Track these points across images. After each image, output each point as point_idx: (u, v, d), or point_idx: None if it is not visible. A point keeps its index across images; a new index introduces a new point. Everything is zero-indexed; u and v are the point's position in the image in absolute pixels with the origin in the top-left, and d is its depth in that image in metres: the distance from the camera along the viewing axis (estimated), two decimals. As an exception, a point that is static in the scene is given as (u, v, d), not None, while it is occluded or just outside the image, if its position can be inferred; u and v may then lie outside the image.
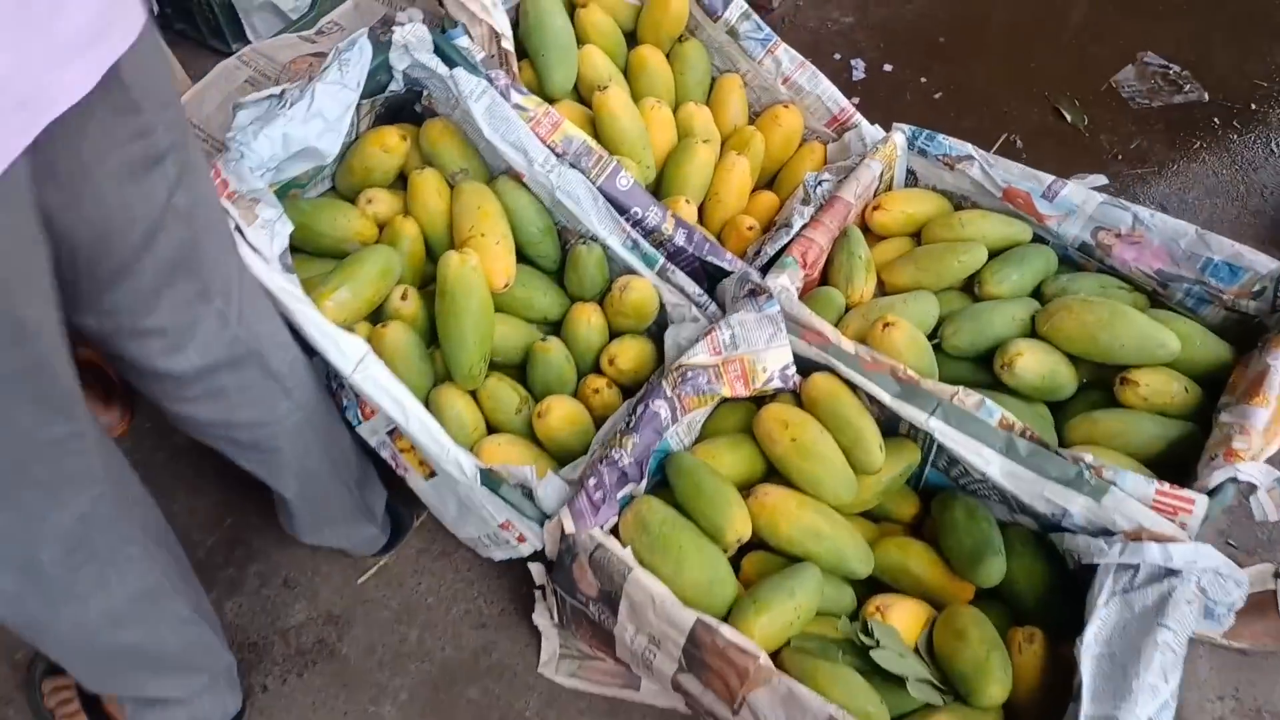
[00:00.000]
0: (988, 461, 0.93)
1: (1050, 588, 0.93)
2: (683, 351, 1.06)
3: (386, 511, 1.19)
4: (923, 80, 1.77)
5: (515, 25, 1.22)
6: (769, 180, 1.36)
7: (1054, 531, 0.93)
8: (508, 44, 1.10)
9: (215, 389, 0.79)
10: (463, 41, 1.08)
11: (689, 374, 0.98)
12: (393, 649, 1.16)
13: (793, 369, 1.01)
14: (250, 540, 1.25)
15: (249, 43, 1.98)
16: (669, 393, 0.98)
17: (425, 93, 1.13)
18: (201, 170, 0.72)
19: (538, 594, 1.06)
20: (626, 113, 1.20)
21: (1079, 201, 1.12)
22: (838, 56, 1.83)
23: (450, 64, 1.07)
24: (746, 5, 1.28)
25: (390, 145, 1.10)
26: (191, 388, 0.78)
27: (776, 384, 1.01)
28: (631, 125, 1.20)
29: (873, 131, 1.27)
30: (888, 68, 1.79)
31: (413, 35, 1.04)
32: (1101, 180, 1.56)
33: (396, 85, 1.10)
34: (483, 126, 1.07)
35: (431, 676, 1.14)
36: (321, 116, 0.98)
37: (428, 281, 1.13)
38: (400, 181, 1.16)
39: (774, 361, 1.01)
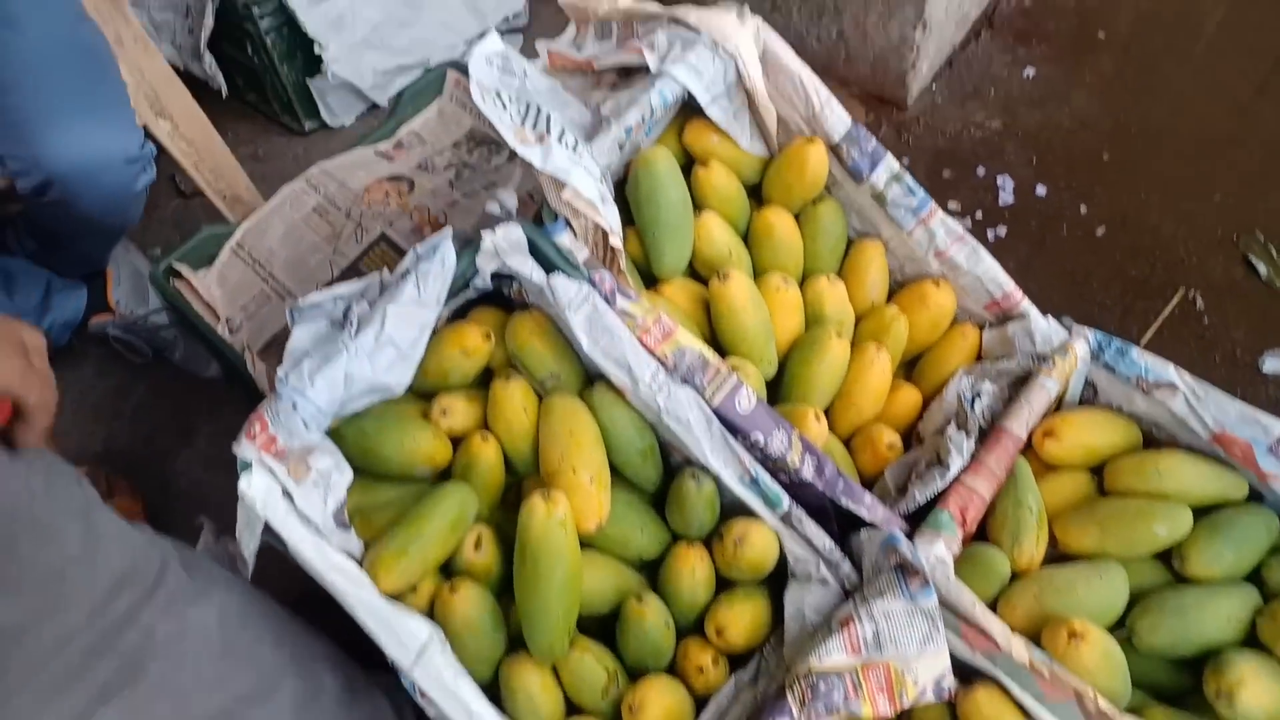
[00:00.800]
0: None
1: None
2: (808, 627, 0.88)
3: None
4: (1082, 209, 1.52)
5: (621, 185, 1.04)
6: (908, 361, 1.15)
7: None
8: (616, 241, 0.91)
9: None
10: (564, 239, 0.90)
11: (820, 684, 0.79)
12: None
13: (949, 678, 0.81)
14: None
15: (321, 122, 1.85)
16: (795, 712, 0.79)
17: (516, 284, 0.96)
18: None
19: None
20: (750, 305, 1.00)
21: (1321, 463, 0.89)
22: (981, 171, 1.60)
23: (547, 266, 0.89)
24: (898, 167, 1.07)
25: (472, 348, 0.93)
26: None
27: (929, 699, 0.81)
28: (754, 319, 1.01)
29: (1044, 327, 1.05)
30: (1040, 190, 1.55)
31: (505, 240, 0.86)
32: (1309, 365, 1.31)
33: (482, 282, 0.93)
34: (581, 339, 0.89)
35: None
36: (393, 344, 0.82)
37: (508, 492, 0.97)
38: (483, 375, 0.99)
39: (927, 671, 0.81)
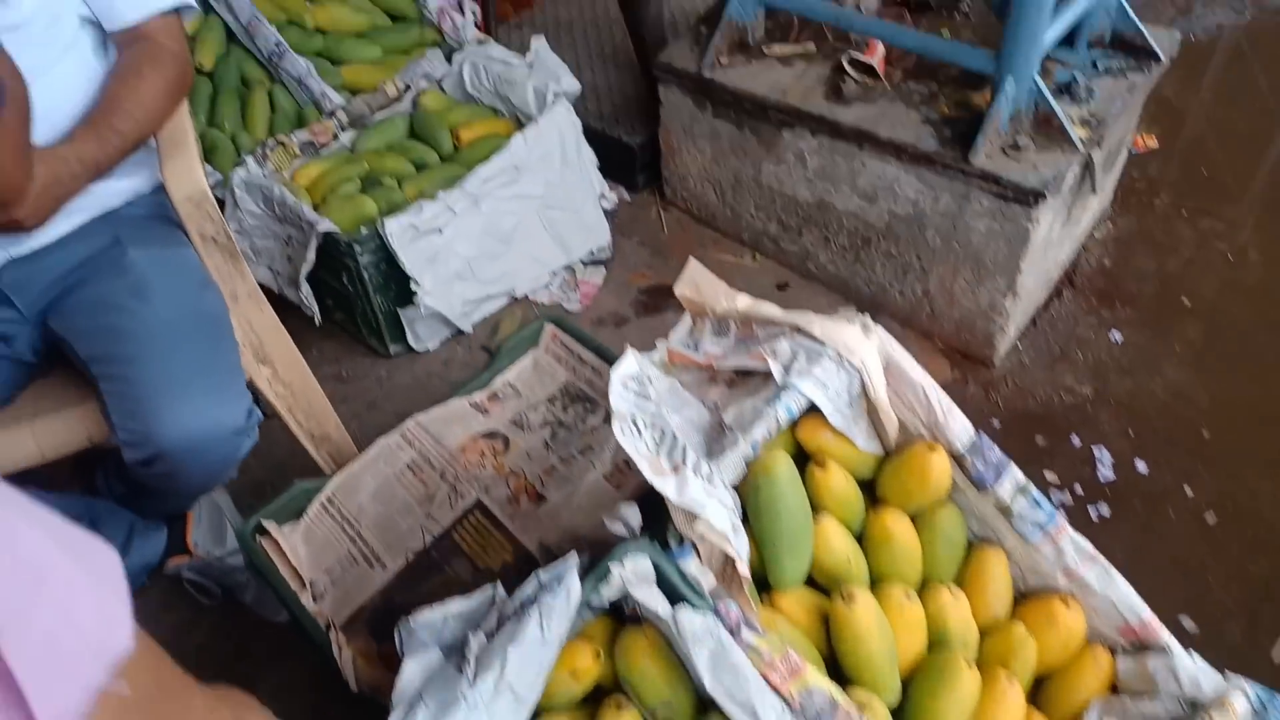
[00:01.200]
0: None
1: None
2: None
3: None
4: (1187, 491, 1.46)
5: (737, 488, 1.01)
6: (1031, 681, 1.06)
7: None
8: (744, 569, 0.87)
9: None
10: (690, 565, 0.86)
11: None
12: None
13: None
14: None
15: (408, 347, 1.88)
16: None
17: (632, 601, 0.91)
18: None
19: None
20: (876, 630, 0.94)
21: None
22: (1076, 441, 1.56)
23: (671, 594, 0.84)
24: (1023, 478, 1.03)
25: (582, 670, 0.87)
26: None
27: None
28: (880, 646, 0.94)
29: (1190, 668, 0.96)
30: (1141, 466, 1.50)
31: (633, 573, 0.82)
32: None
33: (599, 602, 0.88)
34: (704, 676, 0.83)
35: None
36: (512, 690, 0.76)
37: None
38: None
39: None
